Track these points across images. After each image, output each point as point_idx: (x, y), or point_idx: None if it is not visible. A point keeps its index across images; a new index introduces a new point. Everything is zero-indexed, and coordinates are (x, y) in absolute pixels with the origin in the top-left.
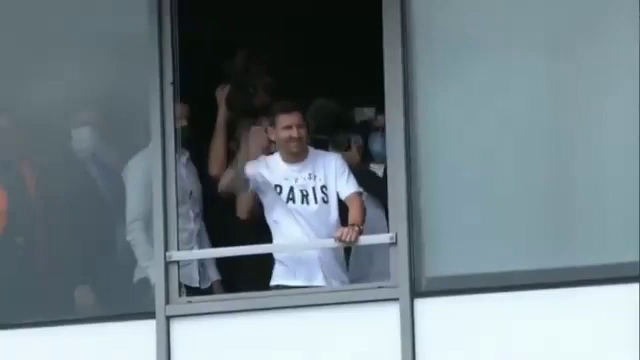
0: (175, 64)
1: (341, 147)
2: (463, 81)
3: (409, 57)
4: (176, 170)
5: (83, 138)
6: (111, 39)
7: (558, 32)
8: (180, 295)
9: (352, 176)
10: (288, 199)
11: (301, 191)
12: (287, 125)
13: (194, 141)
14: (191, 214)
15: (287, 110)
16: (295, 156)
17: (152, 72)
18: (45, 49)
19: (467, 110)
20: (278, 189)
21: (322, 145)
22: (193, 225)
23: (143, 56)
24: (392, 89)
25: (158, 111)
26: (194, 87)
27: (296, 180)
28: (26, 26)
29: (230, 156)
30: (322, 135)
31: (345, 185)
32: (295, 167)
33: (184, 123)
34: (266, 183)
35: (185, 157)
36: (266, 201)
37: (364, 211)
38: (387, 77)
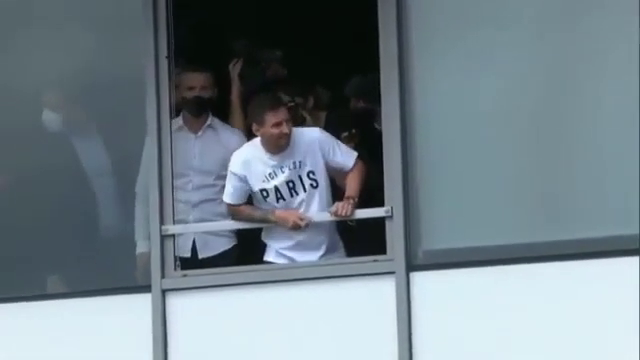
0: (170, 37)
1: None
2: (459, 53)
3: (404, 29)
4: (171, 144)
5: (49, 121)
6: (105, 12)
7: (554, 3)
8: (175, 269)
9: (342, 144)
10: (277, 199)
11: (287, 183)
12: (276, 122)
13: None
14: (189, 187)
15: (274, 107)
16: (281, 149)
17: (147, 45)
18: (37, 20)
19: (463, 83)
20: (265, 193)
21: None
22: (191, 196)
23: (138, 29)
24: (387, 61)
25: (153, 85)
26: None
27: (282, 170)
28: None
29: (248, 132)
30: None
31: (343, 158)
32: (278, 157)
33: (207, 93)
34: (252, 192)
35: (203, 128)
36: (255, 200)
37: (362, 181)
38: (382, 49)
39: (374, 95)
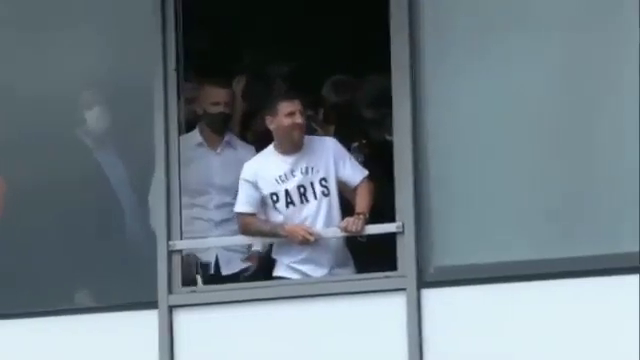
0: (179, 50)
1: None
2: (473, 61)
3: (416, 37)
4: (179, 158)
5: (97, 118)
6: (114, 25)
7: (569, 8)
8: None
9: (353, 160)
10: (287, 204)
11: (298, 188)
12: (290, 112)
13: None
14: (211, 205)
15: (288, 97)
16: (294, 146)
17: (156, 58)
18: (44, 32)
19: (478, 95)
20: (274, 197)
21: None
22: (214, 214)
23: (146, 42)
24: (399, 71)
25: (162, 99)
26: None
27: (293, 174)
28: (26, 9)
29: None
30: (371, 111)
31: (352, 173)
32: (291, 159)
33: (230, 109)
34: (262, 200)
35: (221, 145)
36: (265, 211)
37: (371, 198)
38: (393, 58)
39: (384, 104)
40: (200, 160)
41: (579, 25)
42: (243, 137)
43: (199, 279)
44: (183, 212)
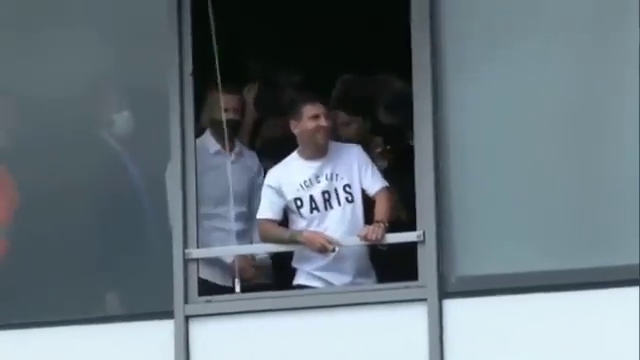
0: (195, 55)
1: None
2: (494, 68)
3: (437, 45)
4: (196, 166)
5: (126, 122)
6: (130, 29)
7: (587, 12)
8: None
9: (375, 169)
10: (312, 209)
11: (323, 194)
12: (314, 115)
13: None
14: (232, 214)
15: (312, 100)
16: (319, 150)
17: (172, 63)
18: (56, 36)
19: (499, 103)
20: (299, 202)
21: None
22: (234, 225)
23: (163, 47)
24: (420, 78)
25: (177, 104)
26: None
27: (317, 180)
28: (43, 14)
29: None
30: (391, 115)
31: (371, 182)
32: (315, 164)
33: (239, 115)
34: (286, 206)
35: (234, 152)
36: (289, 218)
37: (391, 206)
38: (415, 66)
39: (402, 109)
40: (218, 169)
41: (600, 29)
42: (251, 144)
43: (237, 284)
44: (204, 222)
